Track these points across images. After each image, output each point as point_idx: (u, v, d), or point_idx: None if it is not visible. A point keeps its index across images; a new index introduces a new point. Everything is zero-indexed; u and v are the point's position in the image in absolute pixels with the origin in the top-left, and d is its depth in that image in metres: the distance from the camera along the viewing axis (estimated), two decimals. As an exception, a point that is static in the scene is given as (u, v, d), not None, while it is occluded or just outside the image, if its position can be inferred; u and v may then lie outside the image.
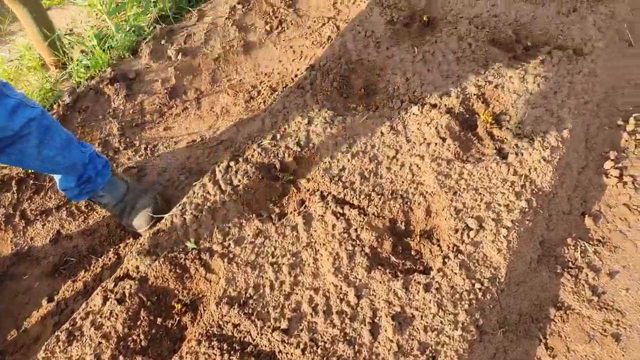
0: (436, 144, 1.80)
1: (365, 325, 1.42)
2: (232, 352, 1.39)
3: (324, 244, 1.61)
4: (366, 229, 1.62)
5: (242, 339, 1.44)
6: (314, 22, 2.66)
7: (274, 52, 2.57)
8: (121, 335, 1.48)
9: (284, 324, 1.44)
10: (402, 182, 1.74)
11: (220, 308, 1.49)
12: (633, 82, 2.11)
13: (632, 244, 1.69)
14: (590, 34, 2.08)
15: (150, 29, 2.65)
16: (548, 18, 2.18)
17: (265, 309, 1.48)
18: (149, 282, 1.58)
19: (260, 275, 1.56)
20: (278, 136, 1.92)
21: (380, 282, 1.50)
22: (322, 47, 2.50)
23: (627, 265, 1.64)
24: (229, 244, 1.64)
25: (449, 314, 1.43)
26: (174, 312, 1.57)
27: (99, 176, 1.81)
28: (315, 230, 1.64)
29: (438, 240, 1.63)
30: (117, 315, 1.51)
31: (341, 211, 1.67)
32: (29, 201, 2.03)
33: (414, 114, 1.91)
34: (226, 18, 2.68)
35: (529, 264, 1.62)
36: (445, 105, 1.91)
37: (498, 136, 1.84)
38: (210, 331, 1.46)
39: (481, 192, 1.67)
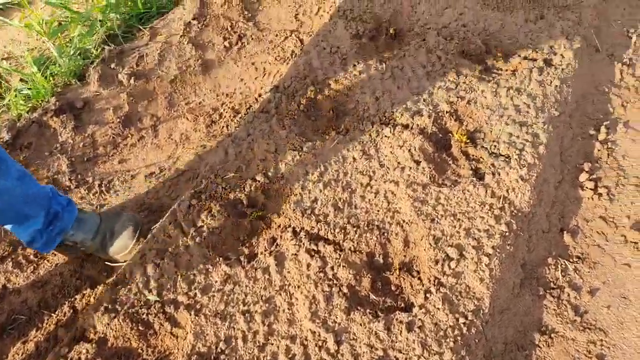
0: (410, 168, 1.72)
1: (348, 377, 1.32)
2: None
3: (298, 286, 1.50)
4: (343, 266, 1.52)
5: (215, 403, 1.32)
6: (276, 35, 2.54)
7: (235, 70, 2.43)
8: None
9: (260, 382, 1.33)
10: (378, 211, 1.65)
11: (189, 368, 1.37)
12: (601, 89, 2.08)
13: (610, 258, 1.65)
14: (559, 42, 2.04)
15: (98, 51, 2.47)
16: (517, 26, 2.12)
17: (239, 366, 1.37)
18: (109, 344, 1.44)
19: (231, 327, 1.44)
20: (243, 167, 1.80)
21: (361, 325, 1.41)
22: (286, 63, 2.39)
23: (606, 281, 1.60)
24: (195, 293, 1.51)
25: (434, 354, 1.35)
26: (138, 374, 1.43)
27: (66, 212, 1.65)
28: (288, 272, 1.53)
29: (418, 272, 1.55)
30: (74, 385, 1.36)
31: (316, 248, 1.56)
32: (-31, 254, 1.84)
33: (386, 136, 1.82)
34: (181, 36, 2.52)
35: (512, 290, 1.56)
36: (418, 125, 1.83)
37: (473, 155, 1.77)
38: (179, 396, 1.33)
39: (460, 217, 1.60)
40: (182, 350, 1.42)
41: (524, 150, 1.72)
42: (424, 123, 1.83)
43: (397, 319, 1.41)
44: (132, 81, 2.34)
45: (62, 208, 1.66)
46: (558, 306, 1.57)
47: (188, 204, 1.71)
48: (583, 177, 1.84)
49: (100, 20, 2.56)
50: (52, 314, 1.67)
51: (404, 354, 1.36)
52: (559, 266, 1.65)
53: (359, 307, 1.45)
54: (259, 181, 1.75)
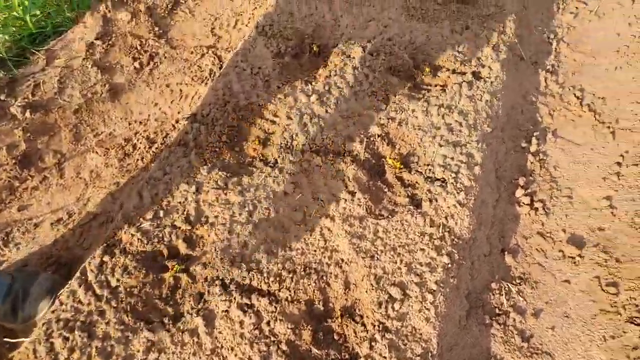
0: (345, 200, 1.60)
1: None
2: None
3: (232, 348, 1.34)
4: (280, 319, 1.38)
5: None
6: (192, 53, 2.33)
7: (148, 94, 2.20)
8: None
9: None
10: (315, 251, 1.52)
11: None
12: (529, 99, 2.08)
13: (551, 276, 1.64)
14: (486, 53, 2.00)
15: (-16, 80, 2.16)
16: (443, 37, 2.06)
17: None
18: None
19: (157, 407, 1.27)
20: (161, 213, 1.60)
21: (305, 385, 1.28)
22: (205, 84, 2.20)
23: (549, 301, 1.58)
24: (113, 371, 1.32)
25: (385, 408, 1.25)
26: None
27: None
28: (220, 332, 1.37)
29: (362, 317, 1.44)
30: None
31: (249, 302, 1.41)
32: None
33: (317, 165, 1.69)
34: (84, 58, 2.25)
35: (458, 324, 1.50)
36: (349, 152, 1.72)
37: (409, 181, 1.69)
38: None
39: (400, 251, 1.51)
40: None
41: (459, 172, 1.66)
42: (356, 149, 1.72)
43: (342, 374, 1.30)
44: (28, 114, 2.05)
45: None
46: (505, 333, 1.53)
47: (100, 262, 1.49)
48: (519, 192, 1.81)
49: (-16, 44, 2.24)
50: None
51: (352, 412, 1.25)
52: (503, 290, 1.61)
53: (300, 365, 1.32)
54: (179, 228, 1.57)
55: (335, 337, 1.41)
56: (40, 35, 2.38)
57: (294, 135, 1.78)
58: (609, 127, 1.94)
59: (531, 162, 1.91)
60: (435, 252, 1.50)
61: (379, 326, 1.39)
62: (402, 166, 1.68)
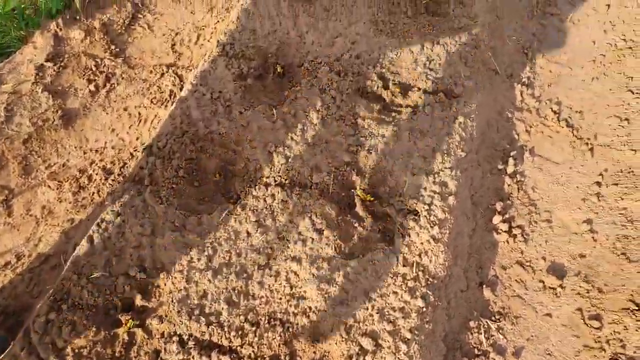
0: (313, 239, 1.50)
1: None
2: None
3: (191, 415, 1.24)
4: (242, 379, 1.28)
5: None
6: (151, 72, 2.19)
7: (105, 119, 2.06)
8: None
9: None
10: (280, 299, 1.42)
11: None
12: (505, 115, 1.99)
13: (532, 309, 1.56)
14: (458, 70, 1.90)
15: None
16: (413, 54, 1.95)
17: None
18: None
19: None
20: (114, 260, 1.48)
21: None
22: (165, 106, 2.06)
23: (530, 338, 1.51)
24: None
25: None
26: None
27: None
28: (177, 396, 1.27)
29: (332, 370, 1.35)
30: None
31: (208, 361, 1.31)
32: None
33: (282, 201, 1.58)
34: (33, 82, 2.10)
35: (435, 370, 1.41)
36: (317, 184, 1.61)
37: (380, 213, 1.59)
38: None
39: (371, 295, 1.41)
40: None
41: (432, 204, 1.56)
42: (324, 181, 1.61)
43: None
44: (-30, 148, 1.90)
45: None
46: (484, 376, 1.45)
47: (45, 320, 1.37)
48: (496, 219, 1.73)
49: None
50: None
51: None
52: (482, 328, 1.53)
53: None
54: (133, 277, 1.45)
55: (304, 393, 1.32)
56: (-16, 58, 2.22)
57: (257, 167, 1.66)
58: (587, 144, 1.86)
59: (508, 185, 1.82)
60: (409, 295, 1.41)
61: (349, 381, 1.29)
62: (372, 198, 1.58)
